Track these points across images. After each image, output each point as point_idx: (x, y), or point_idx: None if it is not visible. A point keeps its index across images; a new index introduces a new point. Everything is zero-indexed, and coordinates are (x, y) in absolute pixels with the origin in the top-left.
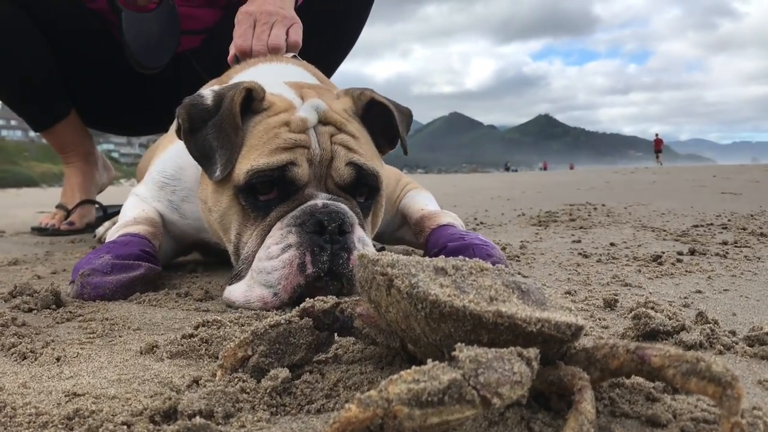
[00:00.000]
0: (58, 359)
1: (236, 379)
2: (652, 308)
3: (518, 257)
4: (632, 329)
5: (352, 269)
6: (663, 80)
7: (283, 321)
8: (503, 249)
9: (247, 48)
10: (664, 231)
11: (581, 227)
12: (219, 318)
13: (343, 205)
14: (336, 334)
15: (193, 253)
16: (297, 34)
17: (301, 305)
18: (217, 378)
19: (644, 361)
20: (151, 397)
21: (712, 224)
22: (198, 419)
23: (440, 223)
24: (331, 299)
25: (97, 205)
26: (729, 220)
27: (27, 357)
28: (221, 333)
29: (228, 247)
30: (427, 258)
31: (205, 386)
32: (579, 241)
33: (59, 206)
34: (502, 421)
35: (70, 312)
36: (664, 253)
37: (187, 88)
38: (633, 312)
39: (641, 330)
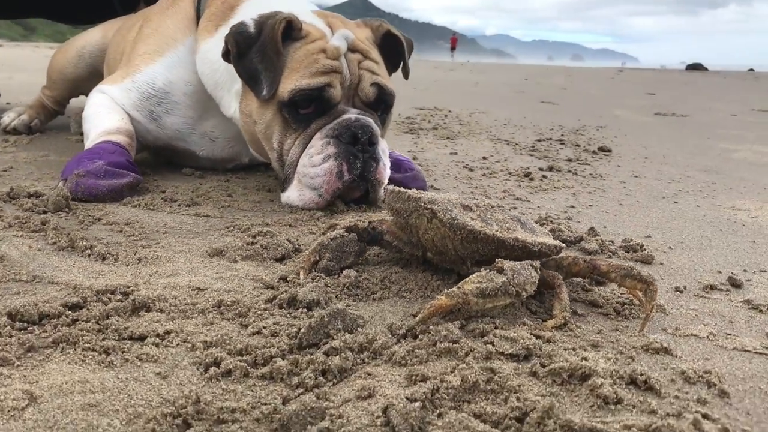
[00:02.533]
0: (140, 260)
1: (317, 278)
2: (552, 222)
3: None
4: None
5: (377, 176)
6: None
7: (338, 235)
8: None
9: None
10: (517, 144)
11: (447, 137)
12: (270, 230)
13: (370, 119)
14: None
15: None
16: None
17: (346, 224)
18: (302, 276)
19: (596, 268)
20: (254, 289)
21: (551, 138)
22: (336, 305)
23: None
24: (366, 219)
25: None
26: (563, 135)
27: (106, 258)
28: (275, 241)
29: (270, 154)
30: (451, 195)
31: (295, 282)
32: (456, 153)
33: None
34: (511, 306)
35: (88, 215)
36: (529, 167)
37: None
38: (549, 229)
39: (557, 239)
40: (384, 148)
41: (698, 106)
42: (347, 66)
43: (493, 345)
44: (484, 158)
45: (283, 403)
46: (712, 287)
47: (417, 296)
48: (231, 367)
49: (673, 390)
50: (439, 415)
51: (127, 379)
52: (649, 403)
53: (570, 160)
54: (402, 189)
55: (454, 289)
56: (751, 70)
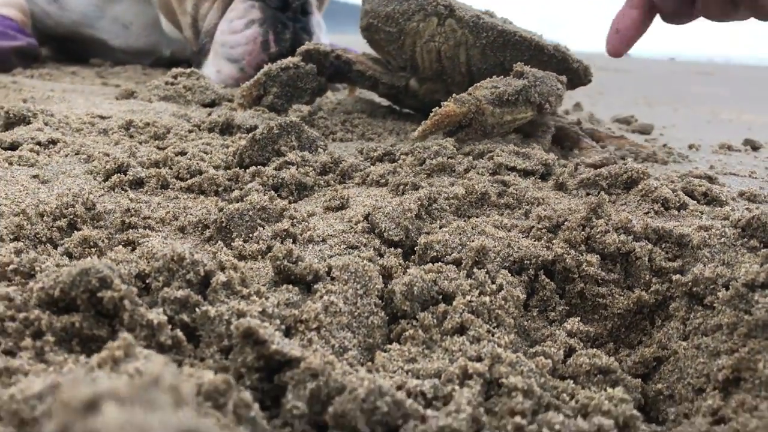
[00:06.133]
0: (25, 101)
1: (260, 110)
2: None
3: None
4: None
5: None
6: None
7: (291, 65)
8: None
9: None
10: None
11: None
12: (195, 70)
13: None
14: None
15: None
16: None
17: (302, 48)
18: (239, 111)
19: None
20: (173, 119)
21: None
22: (290, 118)
23: None
24: (326, 45)
25: None
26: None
27: None
28: (203, 83)
29: (182, 19)
30: None
31: (231, 114)
32: None
33: None
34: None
35: None
36: None
37: None
38: None
39: None
40: (320, 23)
41: (638, 66)
42: None
43: (501, 158)
44: None
45: (220, 212)
46: (730, 147)
47: (388, 138)
48: (143, 176)
49: (740, 205)
50: (441, 227)
51: None
52: (719, 211)
53: None
54: None
55: (464, 94)
56: (672, 59)
